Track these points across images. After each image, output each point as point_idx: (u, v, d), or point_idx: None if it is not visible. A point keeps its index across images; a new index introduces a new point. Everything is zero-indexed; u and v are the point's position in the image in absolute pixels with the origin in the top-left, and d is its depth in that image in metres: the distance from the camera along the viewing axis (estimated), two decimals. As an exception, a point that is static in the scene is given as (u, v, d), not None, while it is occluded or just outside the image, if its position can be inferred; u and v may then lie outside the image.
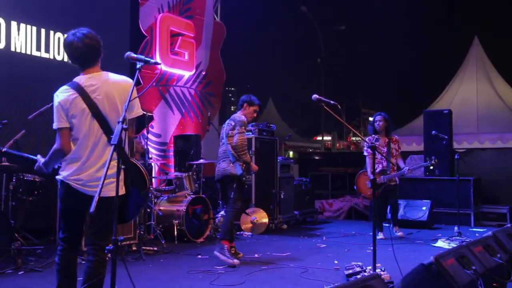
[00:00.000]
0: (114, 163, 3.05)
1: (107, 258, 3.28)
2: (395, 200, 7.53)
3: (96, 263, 3.23)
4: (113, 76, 3.33)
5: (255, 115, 6.20)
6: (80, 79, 3.28)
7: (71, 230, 3.34)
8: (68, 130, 3.24)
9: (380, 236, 7.21)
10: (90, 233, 3.30)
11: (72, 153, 3.25)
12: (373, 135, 7.38)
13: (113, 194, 3.02)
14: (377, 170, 7.21)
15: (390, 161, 7.04)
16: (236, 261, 5.59)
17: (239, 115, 6.06)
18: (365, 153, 7.34)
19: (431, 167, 7.23)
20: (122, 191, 3.25)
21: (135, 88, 3.16)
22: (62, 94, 3.24)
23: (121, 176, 3.19)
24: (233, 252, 5.83)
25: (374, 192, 4.65)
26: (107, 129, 3.21)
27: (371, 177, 7.02)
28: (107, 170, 2.75)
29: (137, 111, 3.39)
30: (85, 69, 3.30)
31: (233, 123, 5.94)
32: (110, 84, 3.27)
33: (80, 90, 3.22)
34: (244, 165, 5.85)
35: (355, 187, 7.72)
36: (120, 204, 3.22)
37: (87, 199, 3.16)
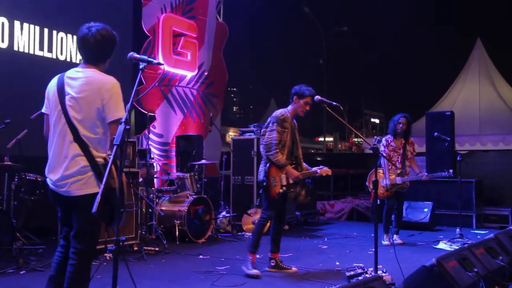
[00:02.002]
0: (79, 159, 3.07)
1: (89, 263, 3.17)
2: (400, 206, 7.30)
3: (74, 268, 3.11)
4: (94, 75, 3.18)
5: (307, 107, 5.38)
6: (70, 70, 3.26)
7: (64, 228, 3.30)
8: (48, 116, 3.29)
9: (385, 242, 7.13)
10: (70, 236, 3.19)
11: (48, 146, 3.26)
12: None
13: (81, 193, 3.07)
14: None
15: (393, 163, 6.99)
16: (255, 271, 5.09)
17: (278, 110, 5.40)
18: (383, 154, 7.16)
19: (447, 177, 7.19)
20: (94, 190, 3.07)
21: (116, 89, 3.12)
22: (50, 83, 3.30)
23: (90, 174, 3.10)
24: (273, 264, 5.34)
25: (376, 193, 4.64)
26: (72, 127, 3.11)
27: (387, 181, 6.97)
28: (109, 169, 2.74)
29: (115, 114, 3.11)
30: (84, 62, 3.28)
31: (269, 120, 5.36)
32: (87, 83, 3.14)
33: (60, 82, 3.21)
34: (270, 169, 5.19)
35: (367, 183, 7.63)
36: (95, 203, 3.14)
37: (62, 199, 3.16)
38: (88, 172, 3.09)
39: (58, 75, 3.28)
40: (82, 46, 3.23)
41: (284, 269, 5.32)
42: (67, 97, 3.15)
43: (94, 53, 3.22)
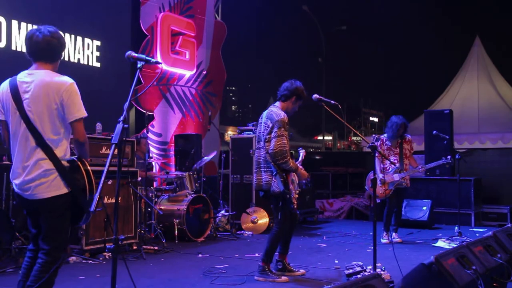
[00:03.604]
0: (42, 162, 3.07)
1: (53, 264, 3.11)
2: (400, 204, 7.32)
3: (39, 266, 3.10)
4: (49, 77, 3.16)
5: (297, 109, 5.16)
6: (21, 74, 3.22)
7: (32, 230, 3.28)
8: (5, 123, 3.22)
9: (384, 240, 7.13)
10: (39, 238, 3.19)
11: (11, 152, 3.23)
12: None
13: (46, 195, 3.05)
14: (390, 171, 7.12)
15: (391, 161, 6.99)
16: (284, 278, 4.87)
17: (278, 112, 4.91)
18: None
19: (447, 165, 7.24)
20: (59, 191, 3.11)
21: (74, 89, 3.14)
22: (1, 87, 3.23)
23: (54, 176, 3.09)
24: (280, 266, 5.09)
25: (375, 192, 4.64)
26: (34, 131, 3.09)
27: (379, 176, 6.97)
28: (107, 168, 2.74)
29: (77, 113, 3.13)
30: (36, 62, 3.22)
31: (270, 124, 4.87)
32: (43, 85, 3.11)
33: (13, 86, 3.16)
34: (287, 176, 4.89)
35: (366, 187, 7.63)
36: (69, 202, 3.13)
37: (27, 202, 3.16)
38: (51, 175, 3.09)
39: (9, 79, 3.22)
40: (33, 46, 3.20)
41: (291, 272, 5.09)
42: (25, 102, 3.11)
43: (46, 52, 3.21)
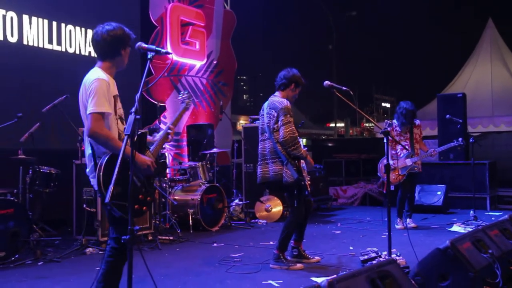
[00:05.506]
0: (91, 156, 3.18)
1: (117, 248, 3.14)
2: (413, 189, 7.32)
3: (107, 251, 3.24)
4: (89, 74, 3.23)
5: (297, 96, 5.14)
6: None
7: None
8: None
9: (399, 226, 7.12)
10: None
11: None
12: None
13: (95, 186, 3.16)
14: (402, 157, 7.10)
15: (403, 145, 6.97)
16: (299, 265, 4.90)
17: (280, 100, 4.90)
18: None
19: (459, 148, 7.22)
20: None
21: (94, 85, 3.09)
22: None
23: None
24: (295, 253, 5.13)
25: (388, 177, 4.62)
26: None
27: (390, 162, 6.93)
28: (120, 160, 2.75)
29: (88, 109, 3.08)
30: (99, 60, 3.31)
31: (274, 113, 4.85)
32: (83, 84, 3.21)
33: None
34: (298, 163, 4.90)
35: (378, 174, 7.61)
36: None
37: None
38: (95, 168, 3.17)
39: None
40: (92, 45, 3.33)
41: (306, 259, 5.12)
42: None
43: (100, 51, 3.28)
